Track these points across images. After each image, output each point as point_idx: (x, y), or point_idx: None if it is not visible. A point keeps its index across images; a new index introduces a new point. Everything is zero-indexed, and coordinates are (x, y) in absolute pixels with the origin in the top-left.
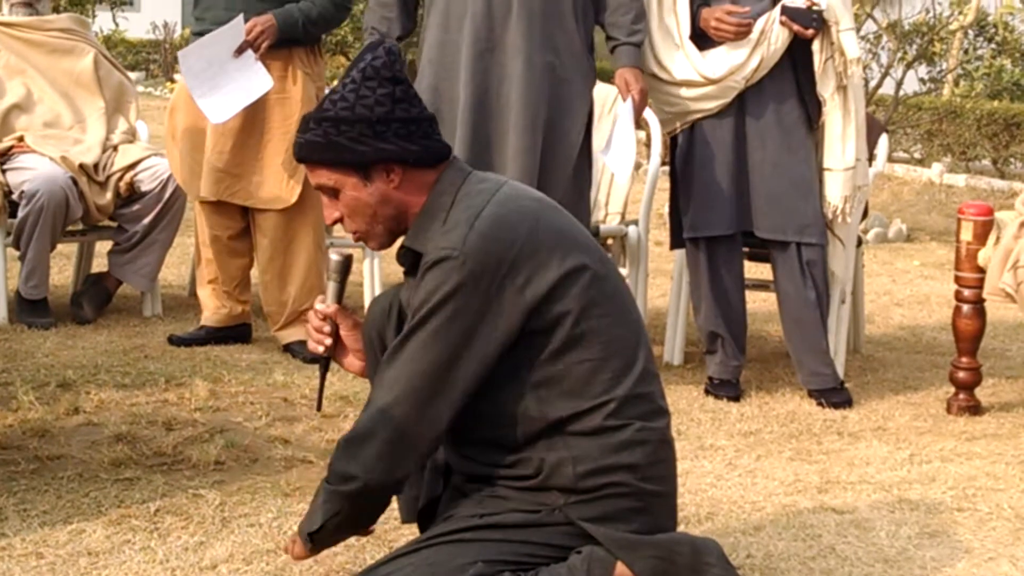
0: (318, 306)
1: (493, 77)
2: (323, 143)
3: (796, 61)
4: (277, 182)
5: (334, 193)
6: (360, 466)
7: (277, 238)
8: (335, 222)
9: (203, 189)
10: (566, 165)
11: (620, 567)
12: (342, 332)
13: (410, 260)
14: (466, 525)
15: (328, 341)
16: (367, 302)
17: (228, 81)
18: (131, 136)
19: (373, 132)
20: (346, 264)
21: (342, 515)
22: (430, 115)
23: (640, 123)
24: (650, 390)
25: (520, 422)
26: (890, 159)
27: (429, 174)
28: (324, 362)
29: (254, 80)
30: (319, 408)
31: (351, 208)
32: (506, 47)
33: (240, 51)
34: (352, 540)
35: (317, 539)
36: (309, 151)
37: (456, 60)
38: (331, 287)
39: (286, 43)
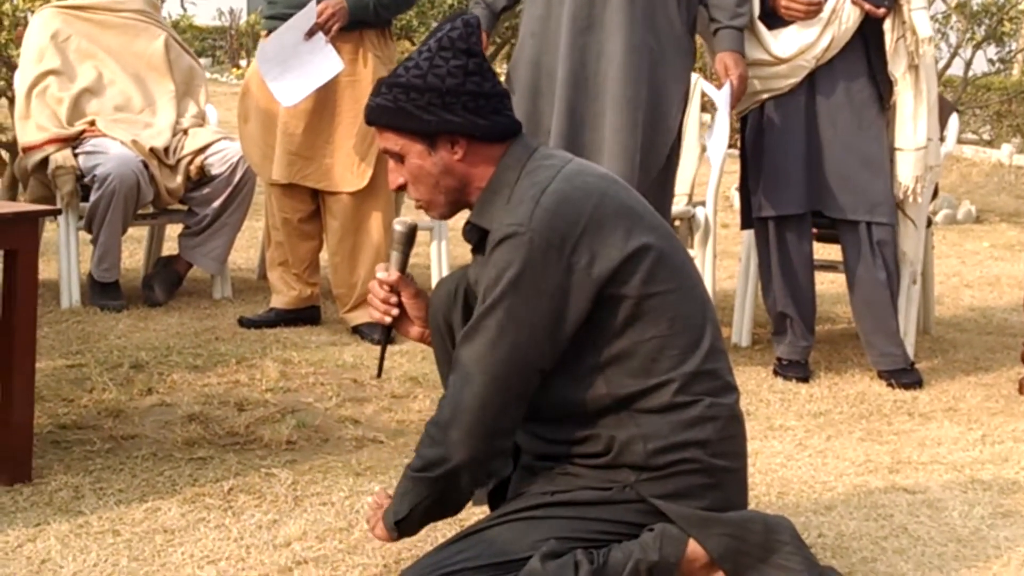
0: (380, 275)
1: (591, 55)
2: (392, 108)
3: (867, 40)
4: (348, 165)
5: (399, 158)
6: (447, 450)
7: (347, 220)
8: (399, 188)
9: (275, 172)
10: (664, 147)
11: (692, 544)
12: (404, 300)
13: (476, 236)
14: (538, 503)
15: (395, 312)
16: (434, 284)
17: (299, 64)
18: (201, 120)
19: (442, 102)
20: (411, 234)
21: (429, 501)
22: (502, 90)
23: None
24: (718, 366)
25: (589, 400)
26: (959, 140)
27: (495, 149)
28: (386, 331)
29: (325, 63)
30: (379, 375)
31: (414, 175)
32: (605, 25)
33: (311, 34)
34: None
35: (403, 526)
36: (378, 114)
37: (557, 35)
38: (395, 256)
39: (357, 26)
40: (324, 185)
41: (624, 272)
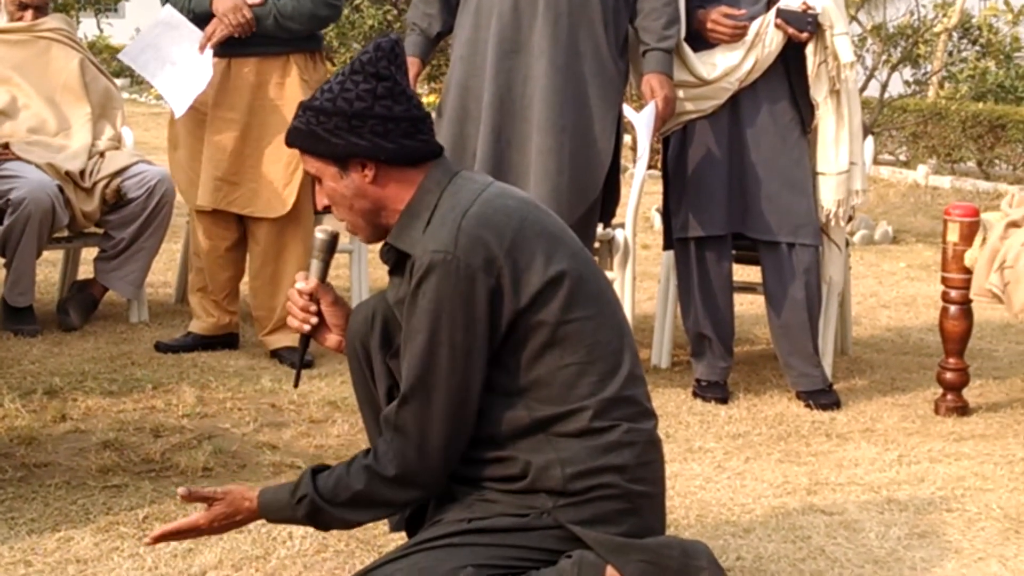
0: (299, 285)
1: (517, 77)
2: (305, 131)
3: (789, 64)
4: (273, 190)
5: (318, 180)
6: (426, 490)
7: (269, 245)
8: (325, 208)
9: (201, 198)
10: (597, 169)
11: (610, 571)
12: (323, 308)
13: (394, 258)
14: (455, 530)
15: (314, 320)
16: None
17: (179, 67)
18: (117, 142)
19: (349, 126)
20: (332, 242)
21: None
22: (416, 114)
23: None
24: (636, 392)
25: (506, 421)
26: (876, 161)
27: (412, 173)
28: (305, 339)
29: (203, 69)
30: (296, 384)
31: (331, 197)
32: (531, 48)
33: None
34: (341, 546)
35: (279, 521)
36: (293, 137)
37: (484, 58)
38: (315, 265)
39: (284, 48)
40: (250, 211)
41: (543, 298)
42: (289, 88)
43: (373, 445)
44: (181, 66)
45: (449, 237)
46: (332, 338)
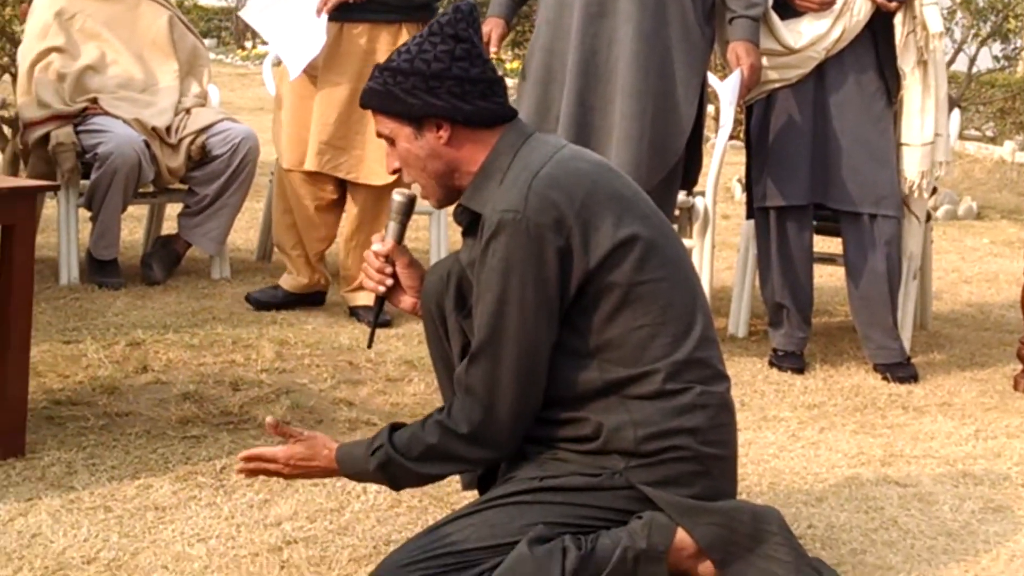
0: (375, 247)
1: (602, 41)
2: (381, 91)
3: (877, 33)
4: (377, 158)
5: (391, 142)
6: (499, 451)
7: (367, 209)
8: (395, 172)
9: (308, 160)
10: (679, 136)
11: (680, 533)
12: (398, 270)
13: (467, 219)
14: (527, 487)
15: (389, 282)
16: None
17: (295, 31)
18: (203, 100)
19: (426, 86)
20: (409, 204)
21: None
22: (492, 77)
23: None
24: (709, 355)
25: (580, 383)
26: (961, 136)
27: (486, 134)
28: (380, 301)
29: (317, 35)
30: (370, 345)
31: (403, 159)
32: (618, 12)
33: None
34: (415, 502)
35: (352, 475)
36: (369, 97)
37: (570, 22)
38: (392, 227)
39: (397, 17)
40: (353, 176)
41: (613, 259)
42: None
43: (447, 403)
44: (298, 29)
45: (519, 197)
46: (407, 300)
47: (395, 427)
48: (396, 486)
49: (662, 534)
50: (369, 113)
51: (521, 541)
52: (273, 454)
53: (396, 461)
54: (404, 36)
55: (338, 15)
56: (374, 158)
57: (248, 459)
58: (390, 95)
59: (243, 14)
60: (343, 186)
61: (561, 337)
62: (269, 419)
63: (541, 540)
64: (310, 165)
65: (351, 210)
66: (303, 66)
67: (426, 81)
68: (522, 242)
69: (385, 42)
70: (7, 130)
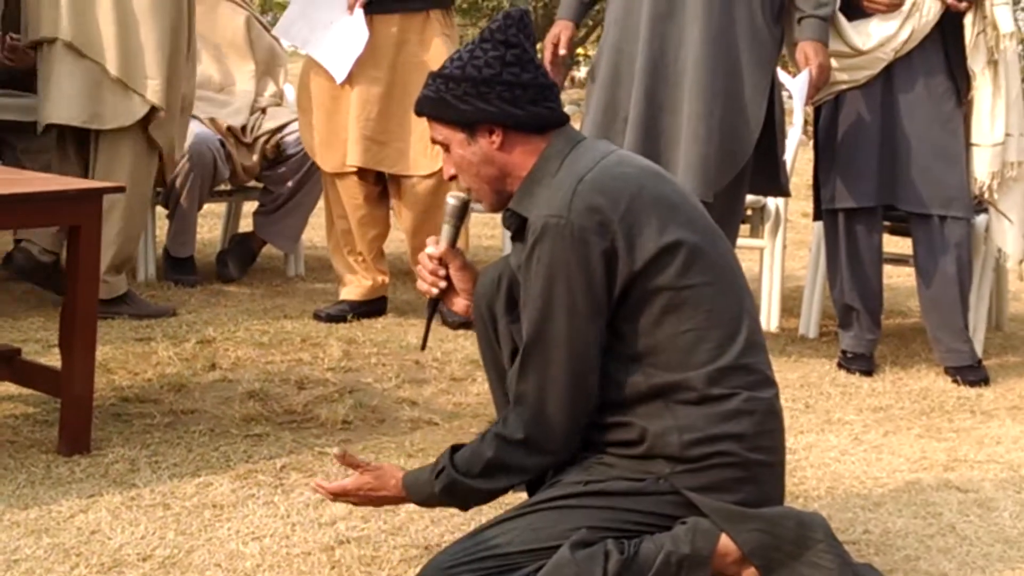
0: (429, 250)
1: (671, 42)
2: (434, 98)
3: (946, 34)
4: (421, 148)
5: (446, 148)
6: (555, 457)
7: (425, 202)
8: (452, 178)
9: (350, 156)
10: (748, 136)
11: (724, 539)
12: (452, 272)
13: (515, 224)
14: (572, 492)
15: (443, 284)
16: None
17: (333, 33)
18: (279, 99)
19: (477, 92)
20: (463, 207)
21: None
22: (544, 82)
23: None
24: (756, 360)
25: (626, 387)
26: None
27: (537, 140)
28: (433, 303)
29: (358, 33)
30: (423, 347)
31: (458, 164)
32: (685, 12)
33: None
34: None
35: (421, 501)
36: (423, 105)
37: (638, 23)
38: (446, 230)
39: (423, 4)
40: (399, 169)
41: (658, 264)
42: (432, 45)
43: (497, 406)
44: (335, 31)
45: (563, 202)
46: (459, 302)
47: (456, 448)
48: (464, 506)
49: (706, 539)
50: (408, 104)
51: (564, 545)
52: (342, 488)
53: (459, 481)
54: (432, 22)
55: (367, 9)
56: (417, 149)
57: (319, 490)
58: (443, 102)
59: (276, 31)
60: (383, 181)
61: (608, 342)
62: (336, 451)
63: (584, 544)
64: (353, 160)
65: (405, 207)
66: (348, 68)
67: (477, 87)
68: (566, 245)
69: (415, 30)
70: None
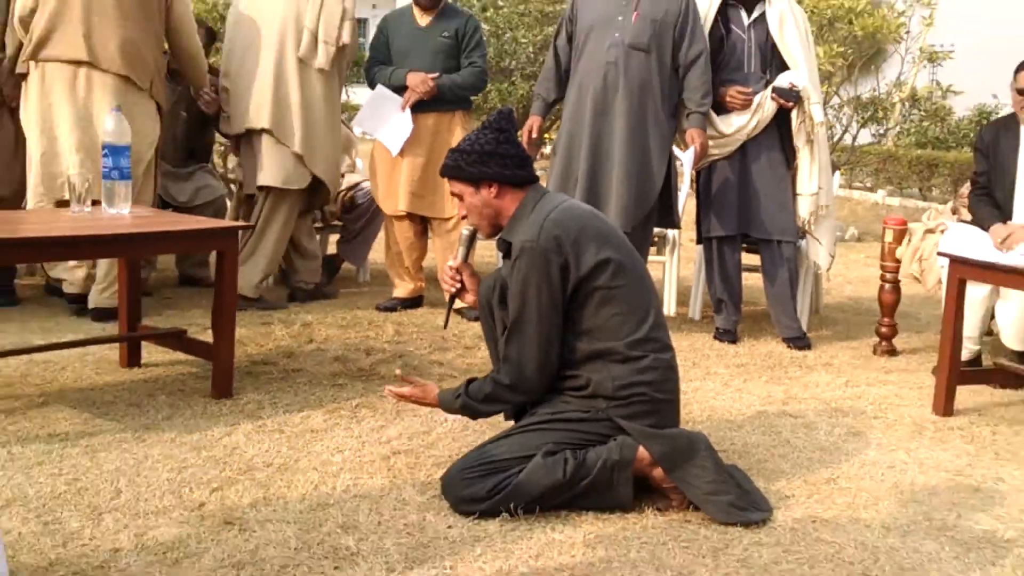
0: (450, 263)
1: (605, 130)
2: (453, 165)
3: (780, 123)
4: (444, 201)
5: (460, 198)
6: (528, 394)
7: (449, 235)
8: (463, 217)
9: (400, 204)
10: (652, 193)
11: (641, 450)
12: (464, 278)
13: (505, 247)
14: (542, 420)
15: (459, 285)
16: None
17: (390, 123)
18: (352, 168)
19: (481, 160)
20: (471, 236)
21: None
22: (523, 155)
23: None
24: (660, 334)
25: (576, 353)
26: (850, 187)
27: (519, 192)
28: (452, 297)
29: (405, 124)
30: (445, 326)
31: (468, 208)
32: (615, 112)
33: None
34: (477, 426)
35: (447, 410)
36: (445, 170)
37: (583, 117)
38: (460, 251)
39: (452, 107)
40: (433, 213)
41: (596, 272)
42: (456, 133)
43: (493, 363)
44: (392, 123)
45: (534, 232)
46: (469, 297)
47: (470, 381)
48: (473, 417)
49: (629, 450)
50: (438, 170)
51: (537, 454)
52: (403, 393)
53: (469, 404)
54: (456, 118)
55: (413, 109)
56: (443, 200)
57: (392, 394)
58: (458, 167)
59: (354, 123)
60: (424, 222)
61: (565, 324)
62: (398, 371)
63: (551, 453)
64: (402, 206)
65: (436, 241)
66: (400, 146)
67: (481, 157)
68: (536, 261)
69: (446, 124)
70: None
